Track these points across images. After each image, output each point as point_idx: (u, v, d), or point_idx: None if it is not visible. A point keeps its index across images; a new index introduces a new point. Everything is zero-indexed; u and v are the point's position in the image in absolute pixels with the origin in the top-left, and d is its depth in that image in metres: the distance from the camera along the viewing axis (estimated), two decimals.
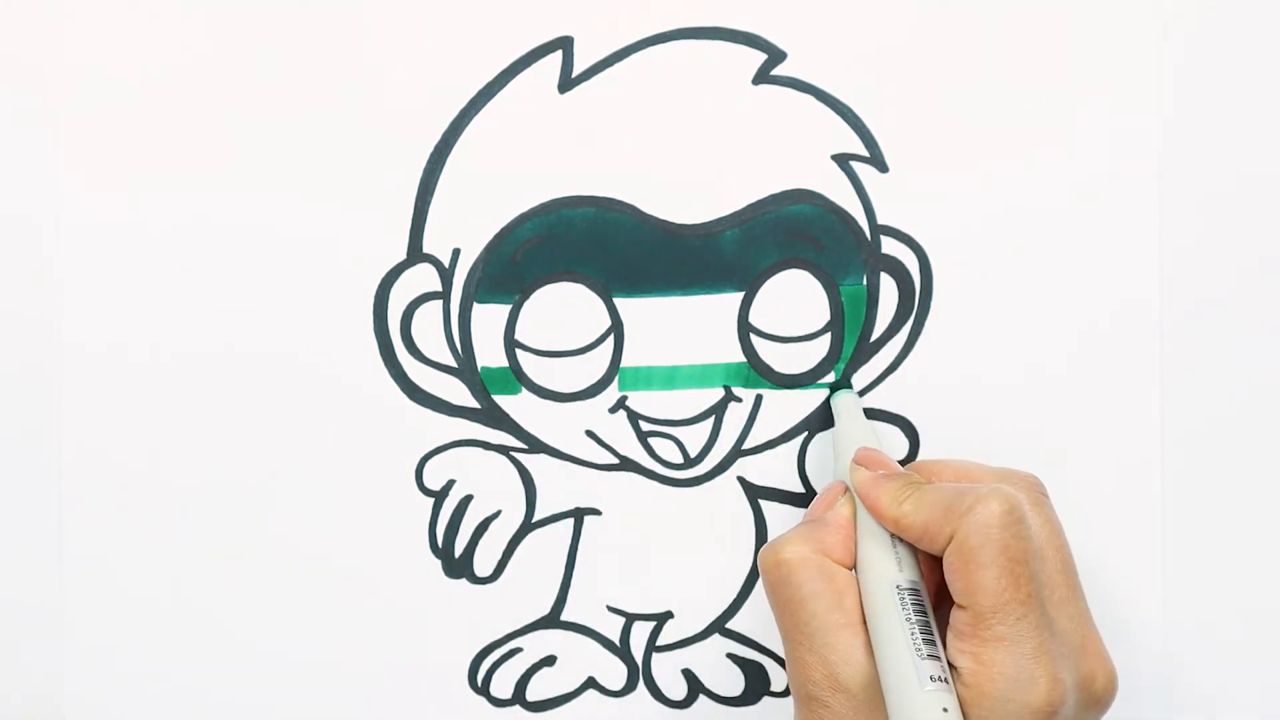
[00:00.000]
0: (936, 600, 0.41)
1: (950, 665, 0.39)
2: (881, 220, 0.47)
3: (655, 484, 0.48)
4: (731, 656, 0.48)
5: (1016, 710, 0.38)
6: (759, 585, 0.47)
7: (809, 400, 0.47)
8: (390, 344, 0.47)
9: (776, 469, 0.48)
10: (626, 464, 0.48)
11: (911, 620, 0.39)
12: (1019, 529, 0.38)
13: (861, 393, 0.47)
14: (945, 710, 0.37)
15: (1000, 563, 0.38)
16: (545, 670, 0.48)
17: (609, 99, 0.46)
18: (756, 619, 0.48)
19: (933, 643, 0.38)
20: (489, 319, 0.47)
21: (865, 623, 0.40)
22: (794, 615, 0.40)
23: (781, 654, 0.43)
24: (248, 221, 0.47)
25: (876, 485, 0.41)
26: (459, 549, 0.48)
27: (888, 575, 0.40)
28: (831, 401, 0.47)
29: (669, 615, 0.48)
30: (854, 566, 0.41)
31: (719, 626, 0.48)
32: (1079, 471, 0.47)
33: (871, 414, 0.47)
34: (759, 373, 0.47)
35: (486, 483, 0.48)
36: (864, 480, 0.42)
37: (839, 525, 0.42)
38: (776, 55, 0.46)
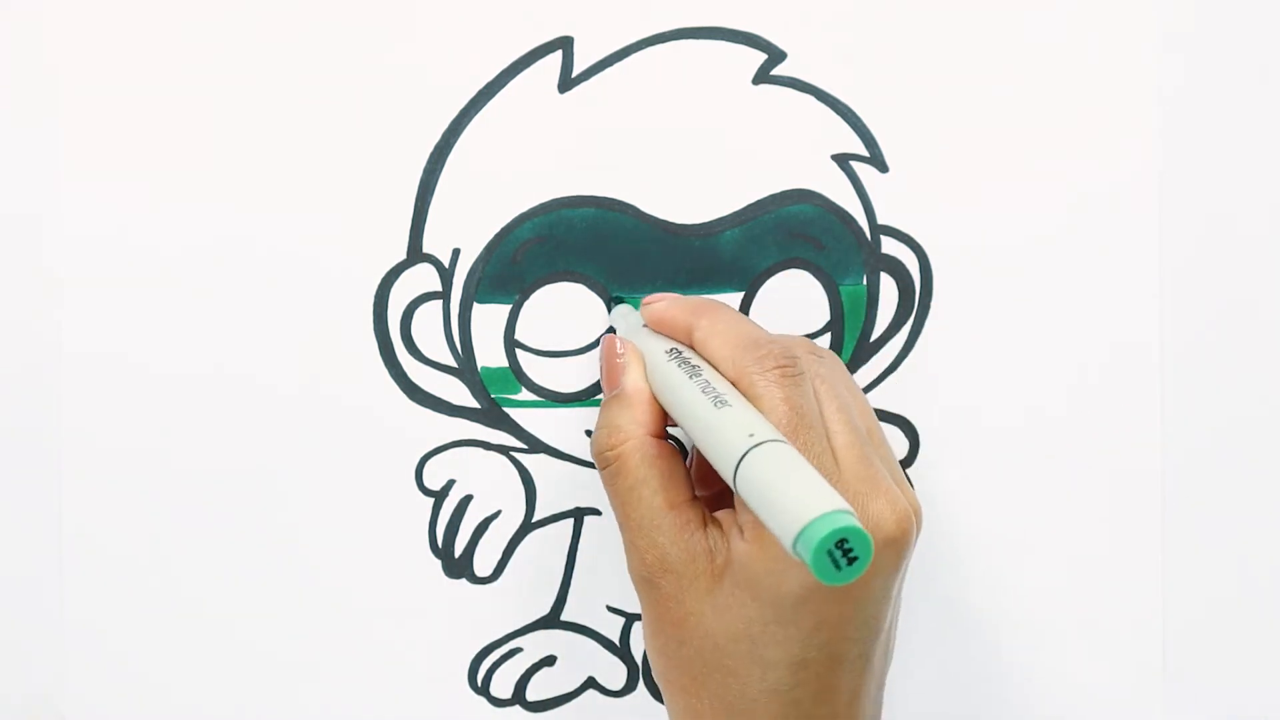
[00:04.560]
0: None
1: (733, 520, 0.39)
2: (881, 220, 0.47)
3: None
4: None
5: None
6: None
7: None
8: (390, 344, 0.47)
9: None
10: None
11: (697, 377, 0.40)
12: (798, 377, 0.39)
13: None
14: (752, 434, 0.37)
15: (780, 408, 0.39)
16: (545, 670, 0.48)
17: (609, 99, 0.46)
18: None
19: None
20: (489, 319, 0.47)
21: (689, 496, 0.41)
22: (625, 504, 0.41)
23: None
24: (248, 221, 0.47)
25: (675, 306, 0.43)
26: (459, 549, 0.48)
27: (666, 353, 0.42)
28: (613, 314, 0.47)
29: None
30: (666, 433, 0.42)
31: None
32: (1080, 471, 0.47)
33: None
34: None
35: (486, 483, 0.48)
36: (666, 305, 0.44)
37: (640, 393, 0.42)
38: (776, 55, 0.46)
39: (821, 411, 0.40)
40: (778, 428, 0.38)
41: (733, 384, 0.40)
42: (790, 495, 0.34)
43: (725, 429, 0.37)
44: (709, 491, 0.43)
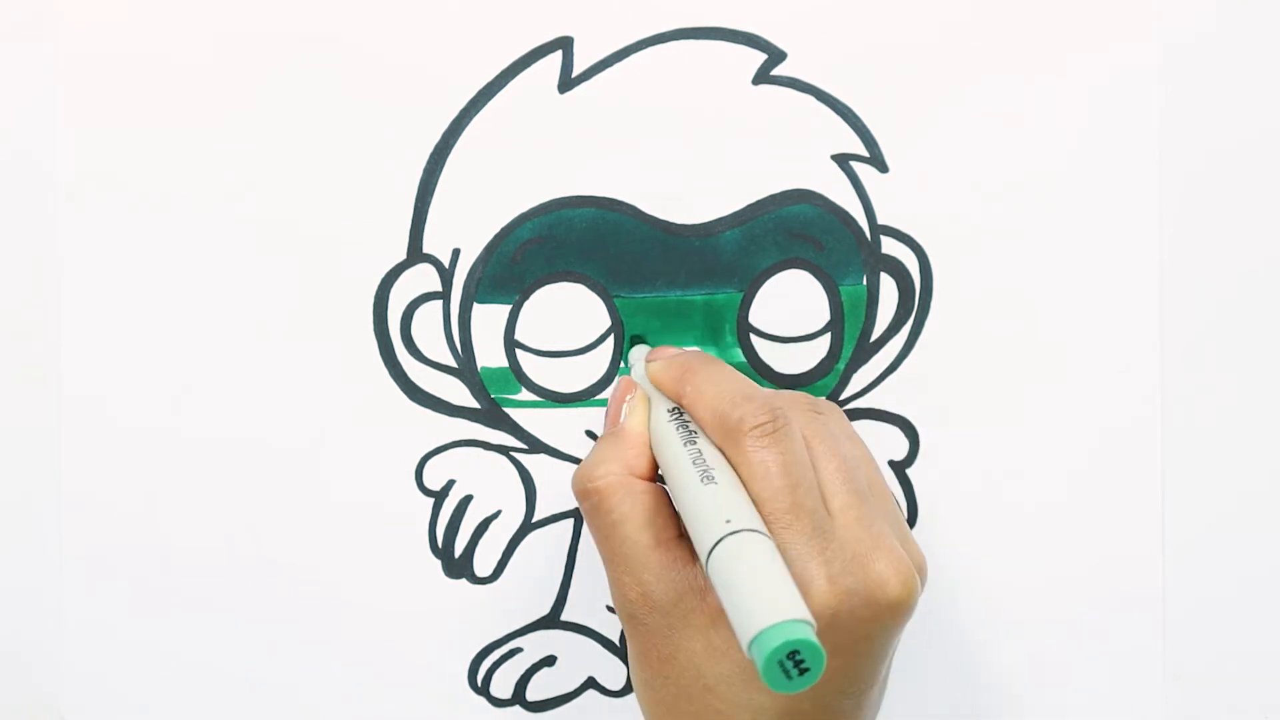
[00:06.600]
0: None
1: None
2: (881, 220, 0.47)
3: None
4: None
5: None
6: None
7: None
8: (390, 344, 0.47)
9: None
10: None
11: (693, 443, 0.40)
12: (779, 433, 0.38)
13: (861, 392, 0.47)
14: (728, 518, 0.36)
15: (770, 472, 0.38)
16: (545, 670, 0.48)
17: (609, 99, 0.46)
18: None
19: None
20: (489, 319, 0.47)
21: (677, 533, 0.40)
22: (608, 540, 0.40)
23: None
24: (247, 221, 0.47)
25: (670, 369, 0.43)
26: (459, 549, 0.48)
27: (672, 428, 0.41)
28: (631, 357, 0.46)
29: None
30: (655, 477, 0.41)
31: None
32: (1079, 471, 0.47)
33: (872, 414, 0.47)
34: (759, 373, 0.47)
35: (486, 483, 0.48)
36: (660, 365, 0.43)
37: (636, 437, 0.42)
38: (776, 55, 0.46)
39: (817, 470, 0.39)
40: (769, 495, 0.38)
41: (720, 450, 0.39)
42: (750, 596, 0.33)
43: (705, 510, 0.37)
44: None
